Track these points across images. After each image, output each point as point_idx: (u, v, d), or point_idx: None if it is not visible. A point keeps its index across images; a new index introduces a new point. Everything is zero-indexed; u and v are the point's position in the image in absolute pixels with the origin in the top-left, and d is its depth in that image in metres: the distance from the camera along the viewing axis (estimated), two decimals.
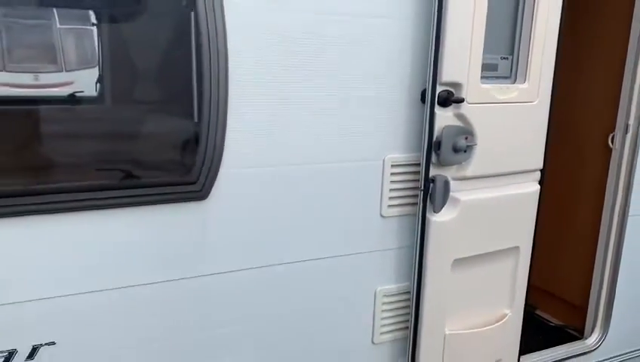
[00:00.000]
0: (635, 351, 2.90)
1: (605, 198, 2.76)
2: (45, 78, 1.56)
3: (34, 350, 1.57)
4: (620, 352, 2.86)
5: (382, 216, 2.04)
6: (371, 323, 2.12)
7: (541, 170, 2.26)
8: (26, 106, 1.57)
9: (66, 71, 1.58)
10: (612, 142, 2.73)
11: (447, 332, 2.15)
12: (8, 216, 1.45)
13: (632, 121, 2.63)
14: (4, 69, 1.50)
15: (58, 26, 1.56)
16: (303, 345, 2.00)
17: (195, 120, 1.64)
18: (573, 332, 2.98)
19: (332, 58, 1.80)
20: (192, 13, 1.55)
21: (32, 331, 1.56)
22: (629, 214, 2.69)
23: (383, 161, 1.99)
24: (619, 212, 2.71)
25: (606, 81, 2.75)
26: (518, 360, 2.45)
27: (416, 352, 2.12)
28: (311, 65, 1.78)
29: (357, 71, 1.87)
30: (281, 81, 1.74)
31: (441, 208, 2.01)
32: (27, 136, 1.54)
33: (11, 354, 1.55)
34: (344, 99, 1.86)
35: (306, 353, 2.02)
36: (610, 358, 2.85)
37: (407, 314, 2.14)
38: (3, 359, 1.54)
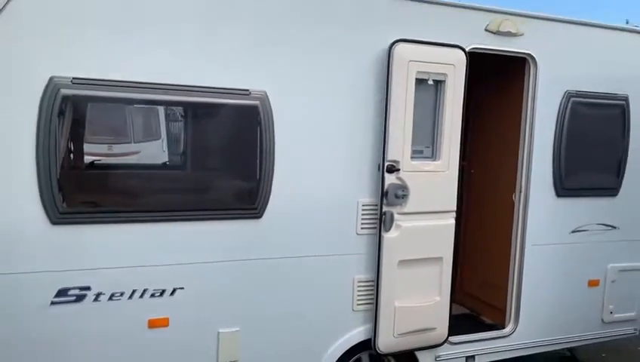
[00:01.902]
0: (537, 340, 4.28)
1: (512, 234, 4.26)
2: None
3: (174, 290, 3.15)
4: (527, 339, 4.26)
5: (357, 233, 3.60)
6: (351, 298, 3.63)
7: (456, 211, 3.81)
8: None
9: None
10: (514, 197, 4.27)
11: (396, 305, 3.64)
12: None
13: (523, 185, 4.17)
14: None
15: None
16: (310, 306, 3.51)
17: (257, 177, 3.28)
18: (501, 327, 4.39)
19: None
20: (258, 128, 3.24)
21: (174, 280, 3.15)
22: (526, 245, 4.18)
23: (358, 202, 3.58)
24: (520, 243, 4.20)
25: (513, 155, 4.31)
26: (448, 332, 3.88)
27: (378, 317, 3.61)
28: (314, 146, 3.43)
29: (343, 154, 3.51)
30: (301, 156, 3.38)
31: (390, 229, 3.57)
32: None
33: (163, 291, 3.13)
34: (337, 170, 3.50)
35: (309, 314, 3.52)
36: (521, 343, 4.24)
37: (373, 293, 3.64)
38: (159, 293, 3.12)
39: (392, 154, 3.53)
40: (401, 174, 3.57)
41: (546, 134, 4.13)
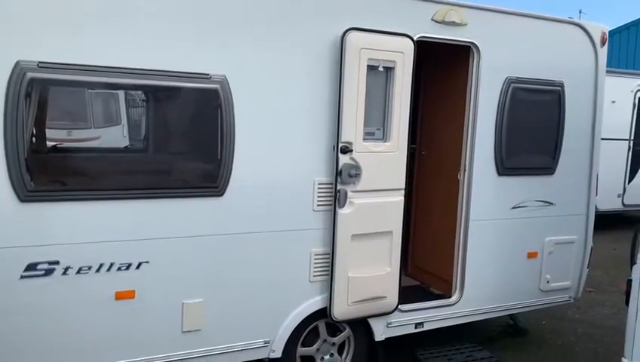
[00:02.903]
0: (480, 308, 4.65)
1: (457, 210, 4.60)
2: None
3: (139, 264, 3.34)
4: (471, 307, 4.62)
5: (314, 210, 3.85)
6: (308, 270, 3.90)
7: (405, 189, 4.10)
8: None
9: None
10: (459, 176, 4.60)
11: (350, 276, 3.92)
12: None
13: (467, 164, 4.50)
14: None
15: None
16: (270, 277, 3.76)
17: (219, 158, 3.48)
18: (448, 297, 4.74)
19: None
20: (219, 110, 3.43)
21: (139, 254, 3.34)
22: (470, 220, 4.52)
23: (314, 181, 3.83)
24: (464, 219, 4.54)
25: (458, 137, 4.62)
26: (398, 301, 4.19)
27: (333, 287, 3.89)
28: (273, 128, 3.65)
29: (300, 135, 3.74)
30: (261, 137, 3.60)
31: (344, 206, 3.83)
32: None
33: (129, 265, 3.31)
34: (295, 150, 3.73)
35: (269, 285, 3.76)
36: (465, 310, 4.59)
37: (328, 265, 3.91)
38: (125, 267, 3.30)
39: (345, 136, 3.79)
40: (354, 155, 3.83)
41: (488, 117, 4.46)
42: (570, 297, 5.14)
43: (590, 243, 5.13)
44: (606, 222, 8.84)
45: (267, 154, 3.66)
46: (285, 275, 3.83)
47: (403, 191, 4.10)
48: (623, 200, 10.24)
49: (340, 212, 3.84)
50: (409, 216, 5.36)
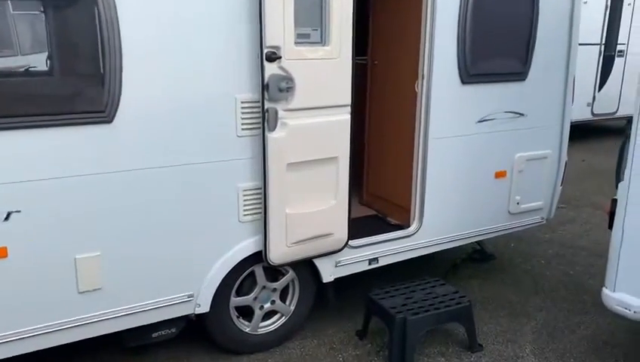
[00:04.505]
0: (442, 237, 4.10)
1: (415, 127, 3.92)
2: None
3: (8, 214, 2.60)
4: (432, 237, 4.06)
5: (238, 136, 3.12)
6: (237, 208, 3.22)
7: (350, 105, 3.38)
8: None
9: None
10: (417, 87, 3.89)
11: (287, 212, 3.27)
12: None
13: (425, 72, 3.78)
14: None
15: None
16: (186, 221, 3.07)
17: (101, 75, 2.67)
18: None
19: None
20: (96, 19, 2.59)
21: (6, 202, 2.59)
22: (430, 138, 3.87)
23: (235, 99, 3.07)
24: (422, 137, 3.88)
25: (416, 41, 3.87)
26: (348, 236, 3.59)
27: (268, 226, 3.23)
28: (176, 37, 2.84)
29: (214, 43, 2.94)
30: (158, 44, 2.79)
31: (275, 129, 3.11)
32: None
33: None
34: (207, 62, 2.93)
35: (189, 225, 3.09)
36: (426, 241, 4.04)
37: (261, 201, 3.24)
38: None
39: (271, 39, 2.99)
40: (284, 63, 3.05)
41: (449, 15, 3.70)
42: (542, 218, 4.63)
43: (565, 158, 4.58)
44: (573, 132, 8.38)
45: (170, 70, 2.86)
46: (206, 217, 3.14)
47: (349, 108, 3.38)
48: (592, 109, 9.74)
49: (271, 136, 3.12)
50: (362, 137, 4.69)
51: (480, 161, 4.13)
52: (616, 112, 10.15)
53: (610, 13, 9.45)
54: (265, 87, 3.04)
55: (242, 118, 3.11)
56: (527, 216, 4.54)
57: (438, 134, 3.88)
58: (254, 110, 3.12)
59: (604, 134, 10.31)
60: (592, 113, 9.75)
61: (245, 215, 3.25)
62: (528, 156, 4.35)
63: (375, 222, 4.35)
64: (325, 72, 3.23)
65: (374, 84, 4.53)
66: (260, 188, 3.22)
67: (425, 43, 3.75)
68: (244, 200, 3.23)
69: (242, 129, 3.12)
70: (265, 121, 3.09)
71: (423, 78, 3.80)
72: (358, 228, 3.82)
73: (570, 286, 4.61)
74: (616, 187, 3.17)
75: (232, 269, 3.28)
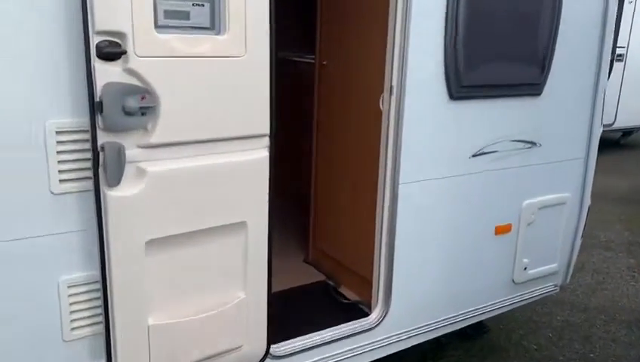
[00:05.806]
0: (416, 327, 2.75)
1: (380, 163, 2.57)
2: None
3: None
4: (403, 329, 2.71)
5: (52, 193, 1.72)
6: (59, 318, 1.82)
7: (269, 136, 2.01)
8: None
9: None
10: (382, 103, 2.54)
11: (150, 324, 1.88)
12: None
13: (395, 83, 2.43)
14: None
15: None
16: None
17: None
18: (367, 309, 2.80)
19: None
20: None
21: None
22: (400, 181, 2.52)
23: (45, 126, 1.67)
24: (390, 179, 2.52)
25: (379, 43, 2.53)
26: (269, 341, 2.22)
27: (113, 348, 1.84)
28: None
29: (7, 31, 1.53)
30: None
31: (117, 182, 1.71)
32: None
33: None
34: None
35: None
36: (394, 335, 2.69)
37: (100, 304, 1.85)
38: None
39: (107, 20, 1.60)
40: (135, 63, 1.67)
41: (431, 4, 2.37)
42: (555, 286, 3.33)
43: (588, 202, 3.29)
44: None
45: None
46: (16, 332, 1.75)
47: (267, 140, 2.01)
48: None
49: (111, 195, 1.72)
50: (310, 168, 3.33)
51: (475, 213, 2.80)
52: (612, 124, 8.99)
53: None
54: (96, 107, 1.65)
55: (59, 162, 1.70)
56: (537, 285, 3.24)
57: (413, 176, 2.53)
58: (82, 146, 1.72)
59: (600, 149, 9.12)
60: None
61: (74, 328, 1.85)
62: (541, 203, 3.04)
63: (322, 296, 2.99)
64: (220, 80, 1.84)
65: (323, 93, 3.17)
66: (98, 282, 1.83)
67: (394, 44, 2.39)
68: (72, 304, 1.83)
69: (61, 181, 1.72)
70: (98, 166, 1.70)
71: (391, 90, 2.44)
72: (295, 310, 2.48)
73: None
74: None
75: None
